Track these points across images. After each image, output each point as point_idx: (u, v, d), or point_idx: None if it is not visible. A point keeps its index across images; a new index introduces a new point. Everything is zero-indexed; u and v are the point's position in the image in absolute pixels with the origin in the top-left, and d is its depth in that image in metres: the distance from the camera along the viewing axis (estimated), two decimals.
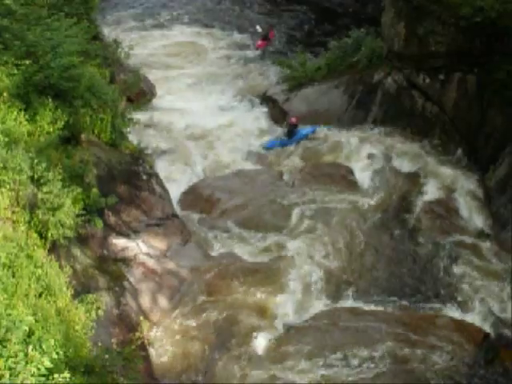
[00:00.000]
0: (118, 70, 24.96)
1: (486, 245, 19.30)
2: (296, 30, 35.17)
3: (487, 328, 16.70)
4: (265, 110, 26.90)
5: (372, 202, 20.88)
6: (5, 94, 15.26)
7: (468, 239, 19.50)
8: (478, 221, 20.22)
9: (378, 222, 20.16)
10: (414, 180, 21.76)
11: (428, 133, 23.52)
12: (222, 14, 37.76)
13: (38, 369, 7.63)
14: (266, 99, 27.21)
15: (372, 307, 17.46)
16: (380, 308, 17.48)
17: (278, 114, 26.29)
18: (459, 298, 17.59)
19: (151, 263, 16.86)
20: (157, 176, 19.40)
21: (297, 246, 18.97)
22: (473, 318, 17.06)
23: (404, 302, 17.76)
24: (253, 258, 18.68)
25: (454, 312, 17.28)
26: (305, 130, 24.72)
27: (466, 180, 21.43)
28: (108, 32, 29.52)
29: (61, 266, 13.13)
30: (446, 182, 21.39)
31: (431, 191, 21.08)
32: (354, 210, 20.43)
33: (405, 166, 22.51)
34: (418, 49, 23.45)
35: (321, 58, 27.93)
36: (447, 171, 21.87)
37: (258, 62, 31.64)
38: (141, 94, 25.98)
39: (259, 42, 33.18)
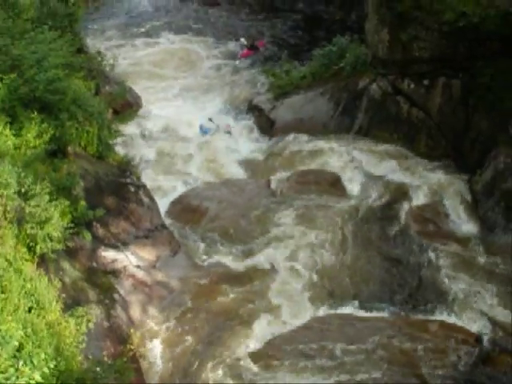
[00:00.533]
0: (103, 81, 24.97)
1: (474, 248, 19.33)
2: (283, 37, 35.16)
3: (478, 331, 16.72)
4: (251, 118, 26.92)
5: (360, 209, 20.87)
6: None
7: (456, 243, 19.51)
8: (467, 224, 20.27)
9: (366, 228, 20.16)
10: (402, 185, 21.76)
11: (414, 138, 23.56)
12: (209, 22, 37.75)
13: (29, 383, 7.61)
14: (253, 108, 27.24)
15: (363, 313, 17.47)
16: (371, 314, 17.50)
17: (264, 122, 26.32)
18: (450, 302, 17.60)
19: (141, 275, 16.84)
20: (144, 187, 19.38)
21: (285, 254, 18.99)
22: (463, 321, 17.07)
23: (395, 308, 17.78)
24: (241, 267, 18.71)
25: (445, 316, 17.29)
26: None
27: (453, 184, 21.45)
28: (93, 43, 29.54)
29: (50, 280, 13.08)
30: (434, 186, 21.41)
31: (419, 196, 21.08)
32: (342, 216, 20.41)
33: (392, 171, 22.51)
34: (402, 55, 23.51)
35: (306, 66, 27.97)
36: (434, 176, 21.90)
37: (245, 71, 31.61)
38: (126, 106, 25.99)
39: (244, 52, 33.20)
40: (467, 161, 22.09)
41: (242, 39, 34.24)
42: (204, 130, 25.98)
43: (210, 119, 26.51)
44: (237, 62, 32.62)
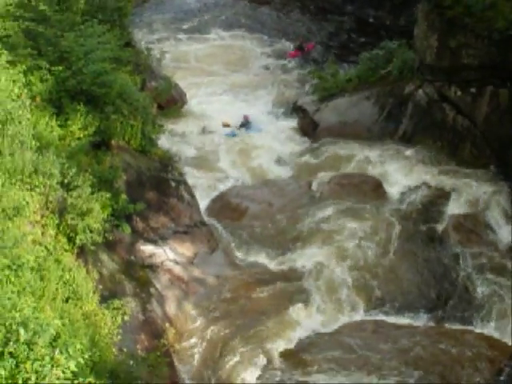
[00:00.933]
0: (150, 76, 25.10)
1: None
2: (331, 39, 35.04)
3: None
4: (296, 119, 26.87)
5: (400, 215, 20.71)
6: (37, 99, 15.41)
7: (497, 254, 19.28)
8: (508, 235, 20.01)
9: (405, 234, 19.99)
10: (444, 193, 21.58)
11: (458, 146, 23.34)
12: (258, 20, 37.62)
13: (64, 372, 7.66)
14: (297, 109, 27.18)
15: (399, 320, 17.37)
16: (407, 321, 17.39)
17: (308, 123, 26.25)
18: (487, 314, 17.41)
19: (178, 270, 16.90)
20: (185, 183, 19.44)
21: (323, 257, 18.91)
22: (501, 333, 16.87)
23: (431, 315, 17.64)
24: (278, 267, 18.69)
25: (481, 327, 17.12)
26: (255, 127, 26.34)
27: (495, 194, 21.19)
28: (140, 38, 29.70)
29: (88, 271, 13.20)
30: (476, 195, 21.18)
31: (461, 205, 20.89)
32: (382, 222, 20.29)
33: (434, 178, 22.32)
34: (450, 61, 23.31)
35: (352, 69, 27.86)
36: (477, 185, 21.66)
37: (293, 71, 31.52)
38: (171, 101, 26.10)
39: (292, 52, 33.07)
40: (511, 171, 21.84)
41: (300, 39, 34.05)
42: (230, 134, 26.26)
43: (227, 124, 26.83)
44: (285, 62, 32.55)
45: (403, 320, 17.47)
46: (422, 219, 20.63)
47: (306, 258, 18.88)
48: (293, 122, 26.80)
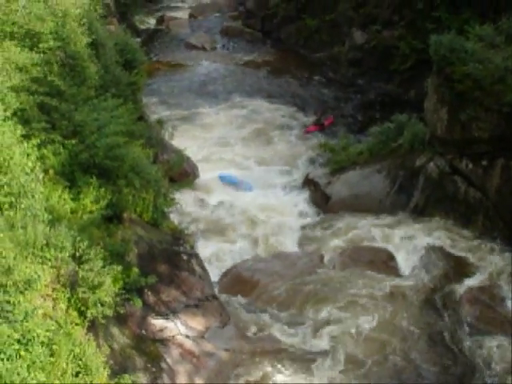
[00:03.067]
0: (162, 150, 25.30)
1: None
2: (343, 112, 35.29)
3: None
4: (307, 192, 26.94)
5: (413, 289, 20.55)
6: (50, 172, 15.51)
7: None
8: None
9: (418, 310, 19.78)
10: (457, 266, 21.46)
11: (471, 218, 23.30)
12: (273, 90, 38.15)
13: None
14: (308, 182, 27.27)
15: None
16: None
17: (319, 197, 26.29)
18: None
19: (189, 344, 16.72)
20: (197, 256, 19.39)
21: (335, 333, 18.71)
22: None
23: None
24: (291, 342, 18.46)
25: None
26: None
27: (510, 267, 21.07)
28: (154, 111, 30.05)
29: (99, 345, 13.08)
30: (490, 268, 21.04)
31: (474, 278, 20.74)
32: (394, 297, 20.13)
33: (447, 252, 22.23)
34: (461, 134, 23.44)
35: (363, 143, 28.03)
36: (491, 257, 21.55)
37: (307, 143, 31.67)
38: (183, 174, 26.25)
39: (311, 127, 33.21)
40: None
41: (320, 111, 34.27)
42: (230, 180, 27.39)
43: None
44: (302, 134, 32.75)
45: None
46: (435, 294, 20.45)
47: (318, 334, 18.66)
48: (305, 195, 26.84)
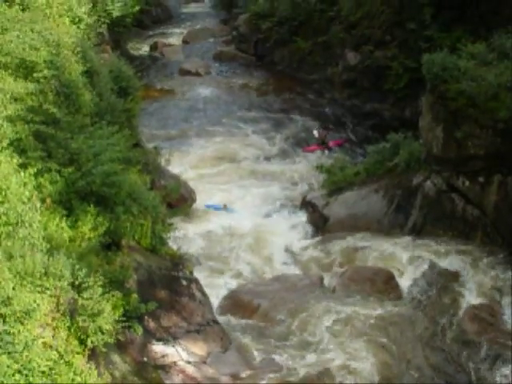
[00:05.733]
0: (159, 176, 25.33)
1: None
2: (339, 133, 35.37)
3: None
4: (305, 214, 26.93)
5: (414, 308, 20.55)
6: (48, 201, 15.47)
7: None
8: None
9: (419, 329, 19.68)
10: (457, 284, 21.42)
11: (469, 236, 23.31)
12: (268, 109, 38.27)
13: None
14: (306, 204, 27.28)
15: None
16: None
17: (317, 218, 26.30)
18: None
19: (191, 370, 16.61)
20: (197, 281, 19.33)
21: (338, 355, 18.57)
22: None
23: None
24: (293, 366, 18.34)
25: None
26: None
27: (510, 283, 21.03)
28: (150, 137, 30.09)
29: (100, 373, 12.99)
30: (490, 285, 21.00)
31: (475, 295, 20.69)
32: (395, 316, 20.07)
33: (447, 270, 22.20)
34: (457, 152, 23.50)
35: (360, 163, 28.09)
36: (491, 274, 21.49)
37: (304, 164, 31.71)
38: (181, 200, 26.23)
39: (310, 147, 33.23)
40: None
41: (315, 131, 34.28)
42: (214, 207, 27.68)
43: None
44: (300, 154, 32.78)
45: None
46: (435, 312, 20.41)
47: (320, 359, 18.55)
48: (303, 216, 26.85)
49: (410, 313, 20.33)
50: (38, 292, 12.26)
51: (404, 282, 22.00)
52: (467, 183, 23.46)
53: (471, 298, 20.77)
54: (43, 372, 10.78)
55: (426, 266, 22.41)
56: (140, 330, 15.73)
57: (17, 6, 21.95)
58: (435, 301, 20.89)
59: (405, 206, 25.05)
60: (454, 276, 21.82)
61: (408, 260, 22.84)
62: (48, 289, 12.47)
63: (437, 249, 23.16)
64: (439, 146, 23.91)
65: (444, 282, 21.61)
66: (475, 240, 23.13)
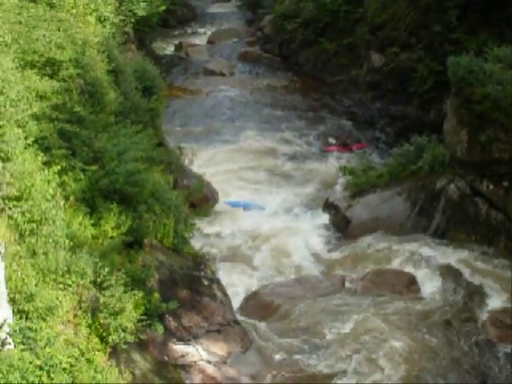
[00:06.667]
0: (182, 175, 25.38)
1: None
2: (363, 136, 35.18)
3: None
4: (328, 215, 26.86)
5: (435, 312, 20.42)
6: (71, 199, 15.57)
7: None
8: None
9: (440, 333, 19.57)
10: (479, 288, 21.30)
11: (493, 240, 23.15)
12: (293, 113, 38.21)
13: None
14: (328, 205, 27.20)
15: None
16: None
17: (339, 220, 26.21)
18: None
19: (211, 370, 16.63)
20: (218, 281, 19.35)
21: (359, 357, 18.53)
22: None
23: None
24: (314, 366, 18.32)
25: None
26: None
27: None
28: (174, 135, 30.14)
29: (120, 371, 13.05)
30: None
31: (497, 300, 20.56)
32: (417, 321, 19.96)
33: (469, 273, 22.09)
34: (481, 156, 23.37)
35: (383, 165, 27.97)
36: None
37: (327, 165, 31.65)
38: (203, 200, 26.26)
39: (331, 147, 33.23)
40: None
41: (330, 138, 34.25)
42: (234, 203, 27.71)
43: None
44: (321, 154, 32.76)
45: None
46: (457, 317, 20.29)
47: (343, 357, 18.53)
48: (325, 219, 26.78)
49: (431, 316, 20.22)
50: (61, 289, 12.37)
51: (426, 286, 21.90)
52: (491, 187, 23.30)
53: (493, 302, 20.63)
54: (64, 369, 10.85)
55: (448, 270, 22.30)
56: (161, 329, 15.78)
57: (44, 5, 22.07)
58: (457, 305, 20.78)
59: (428, 209, 24.92)
60: (477, 281, 21.69)
61: (430, 263, 22.72)
62: (70, 286, 12.58)
63: (459, 253, 23.04)
64: (463, 149, 23.79)
65: (466, 287, 21.51)
66: (498, 244, 22.99)
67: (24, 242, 12.76)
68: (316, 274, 23.25)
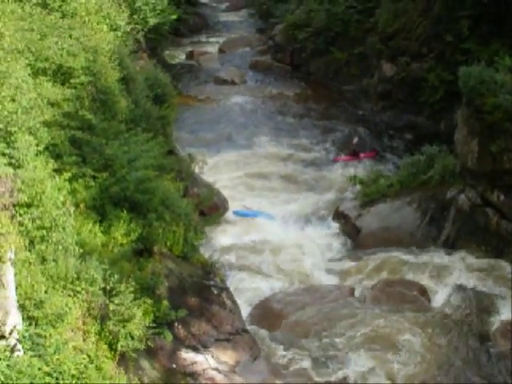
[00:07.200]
0: (192, 183, 25.41)
1: None
2: (373, 145, 35.09)
3: None
4: (337, 225, 26.83)
5: (445, 323, 20.33)
6: (81, 206, 15.63)
7: None
8: None
9: (449, 345, 19.48)
10: (490, 299, 21.21)
11: (503, 251, 23.05)
12: (304, 122, 38.24)
13: None
14: (339, 214, 27.18)
15: None
16: None
17: (349, 229, 26.19)
18: None
19: (220, 378, 16.60)
20: (227, 290, 19.35)
21: (367, 368, 18.48)
22: None
23: None
24: (322, 376, 18.29)
25: None
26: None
27: None
28: (184, 143, 30.19)
29: (129, 379, 13.06)
30: None
31: (508, 311, 20.45)
32: (426, 331, 19.86)
33: (480, 285, 22.02)
34: (492, 166, 23.31)
35: (394, 175, 27.94)
36: None
37: (335, 176, 31.60)
38: (213, 208, 26.29)
39: (341, 157, 33.21)
40: None
41: (355, 138, 34.16)
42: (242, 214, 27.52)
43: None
44: (331, 163, 32.73)
45: None
46: (467, 327, 20.19)
47: (350, 368, 18.48)
48: (335, 228, 26.76)
49: (441, 327, 20.14)
50: (70, 296, 12.39)
51: (436, 296, 21.83)
52: (502, 198, 23.23)
53: (503, 314, 20.53)
54: (73, 375, 10.88)
55: (458, 281, 22.23)
56: (170, 337, 15.79)
57: (56, 13, 22.17)
58: (467, 316, 20.68)
59: (438, 219, 24.87)
60: (487, 292, 21.61)
61: (440, 274, 22.65)
62: (80, 293, 12.61)
63: (470, 263, 22.96)
64: (474, 159, 23.73)
65: (476, 297, 21.40)
66: (509, 255, 22.88)
67: (34, 248, 12.81)
68: (326, 283, 23.20)
